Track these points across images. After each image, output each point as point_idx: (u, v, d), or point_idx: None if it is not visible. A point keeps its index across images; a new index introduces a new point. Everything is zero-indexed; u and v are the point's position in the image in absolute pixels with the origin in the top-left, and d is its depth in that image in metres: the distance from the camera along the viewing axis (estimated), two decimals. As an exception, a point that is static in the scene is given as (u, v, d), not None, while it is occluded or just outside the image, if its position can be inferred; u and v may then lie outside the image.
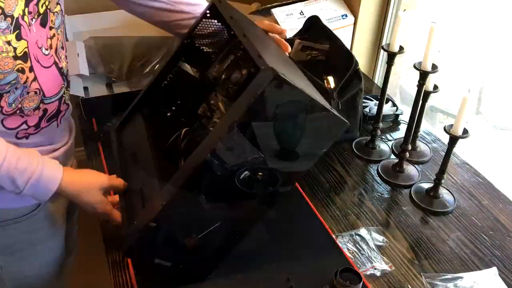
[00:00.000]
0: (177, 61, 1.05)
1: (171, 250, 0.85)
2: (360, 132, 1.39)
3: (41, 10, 0.87)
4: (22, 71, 0.85)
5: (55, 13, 0.92)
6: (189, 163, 0.77)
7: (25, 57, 0.85)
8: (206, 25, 1.04)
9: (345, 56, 1.32)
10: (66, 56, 1.00)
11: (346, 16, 1.69)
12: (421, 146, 1.36)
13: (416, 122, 1.23)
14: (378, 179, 1.26)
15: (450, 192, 1.20)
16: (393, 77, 1.34)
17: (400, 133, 1.43)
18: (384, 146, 1.37)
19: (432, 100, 1.31)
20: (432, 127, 1.62)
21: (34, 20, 0.87)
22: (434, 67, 1.12)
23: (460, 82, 1.83)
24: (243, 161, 0.80)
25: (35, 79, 0.89)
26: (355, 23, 1.71)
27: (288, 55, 1.09)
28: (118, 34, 1.64)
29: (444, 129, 1.07)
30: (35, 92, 0.90)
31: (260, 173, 0.83)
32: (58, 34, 0.94)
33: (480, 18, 1.70)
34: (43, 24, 0.89)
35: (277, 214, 1.01)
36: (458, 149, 1.20)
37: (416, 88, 1.16)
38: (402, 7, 1.68)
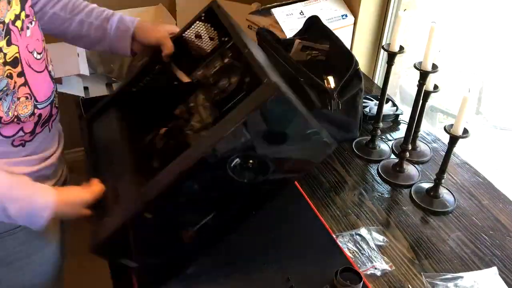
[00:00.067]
0: (159, 60, 1.07)
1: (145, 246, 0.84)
2: (360, 132, 1.39)
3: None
4: (10, 76, 0.83)
5: None
6: (181, 161, 0.77)
7: (15, 62, 0.84)
8: (198, 28, 1.05)
9: (345, 56, 1.31)
10: (51, 59, 1.00)
11: (346, 16, 1.69)
12: (421, 146, 1.36)
13: (416, 122, 1.23)
14: (378, 179, 1.26)
15: (450, 192, 1.20)
16: (393, 77, 1.34)
17: (400, 133, 1.44)
18: (384, 146, 1.37)
19: (432, 100, 1.31)
20: (432, 127, 1.62)
21: (33, 22, 0.86)
22: (434, 67, 1.12)
23: (460, 82, 1.83)
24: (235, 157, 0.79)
25: (24, 83, 0.87)
26: (355, 23, 1.71)
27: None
28: (118, 34, 1.63)
29: (444, 129, 1.07)
30: (26, 98, 0.89)
31: (250, 163, 0.83)
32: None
33: (480, 18, 1.69)
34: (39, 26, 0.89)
35: (277, 214, 1.02)
36: (458, 149, 1.21)
37: (416, 88, 1.16)
38: (402, 7, 1.68)
